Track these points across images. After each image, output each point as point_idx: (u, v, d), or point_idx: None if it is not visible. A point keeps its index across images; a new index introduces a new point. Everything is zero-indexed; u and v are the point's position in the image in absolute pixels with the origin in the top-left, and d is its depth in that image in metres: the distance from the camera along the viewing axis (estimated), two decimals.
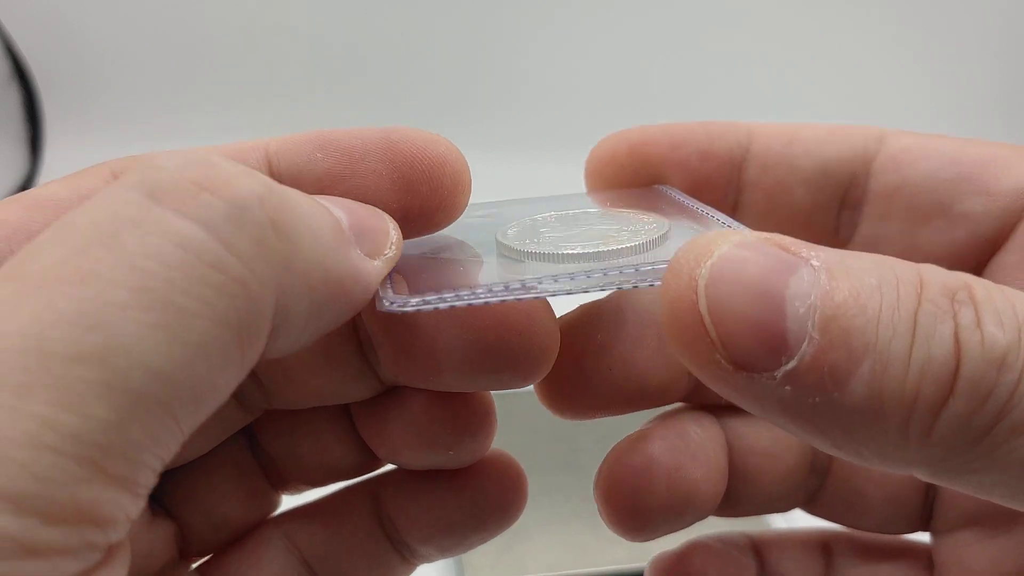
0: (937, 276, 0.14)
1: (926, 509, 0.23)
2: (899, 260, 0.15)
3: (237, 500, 0.21)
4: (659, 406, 0.22)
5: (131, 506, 0.11)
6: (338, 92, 0.77)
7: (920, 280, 0.14)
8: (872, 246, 0.21)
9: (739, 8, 0.78)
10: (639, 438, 0.21)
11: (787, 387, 0.14)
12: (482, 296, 0.17)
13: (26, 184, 0.72)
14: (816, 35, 0.80)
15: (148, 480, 0.12)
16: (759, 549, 0.24)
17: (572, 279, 0.18)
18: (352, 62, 0.76)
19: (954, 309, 0.14)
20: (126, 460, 0.11)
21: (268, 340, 0.13)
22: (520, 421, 0.46)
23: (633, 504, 0.22)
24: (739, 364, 0.14)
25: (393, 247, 0.17)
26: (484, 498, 0.21)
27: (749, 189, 0.21)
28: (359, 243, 0.16)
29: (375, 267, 0.16)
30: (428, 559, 0.22)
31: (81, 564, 0.11)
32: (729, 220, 0.19)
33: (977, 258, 0.21)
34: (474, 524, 0.21)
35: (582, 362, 0.20)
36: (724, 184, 0.21)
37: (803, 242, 0.15)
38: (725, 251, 0.14)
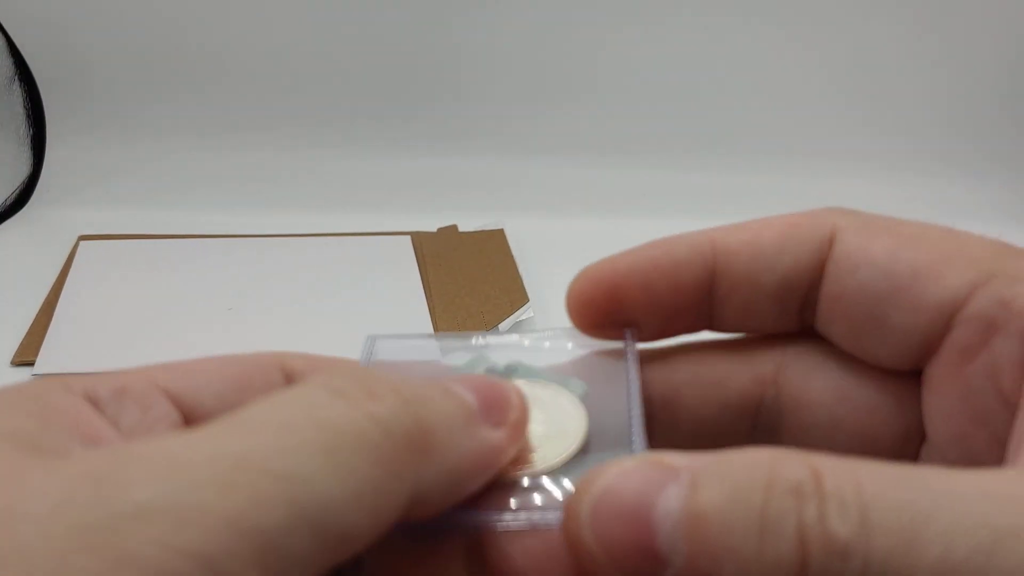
0: (786, 470, 0.16)
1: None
2: (759, 452, 0.16)
3: None
4: None
5: None
6: (338, 92, 0.78)
7: (769, 478, 0.16)
8: (824, 347, 0.22)
9: (738, 5, 0.78)
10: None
11: None
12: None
13: (29, 183, 0.72)
14: (816, 34, 0.80)
15: None
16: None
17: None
18: (352, 62, 0.77)
19: (798, 506, 0.15)
20: (281, 559, 0.14)
21: (409, 509, 0.16)
22: None
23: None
24: None
25: (515, 410, 0.19)
26: None
27: (720, 306, 0.22)
28: (486, 417, 0.19)
29: (500, 436, 0.19)
30: None
31: None
32: (639, 428, 0.21)
33: (914, 365, 0.21)
34: None
35: None
36: (696, 309, 0.22)
37: (680, 454, 0.17)
38: (605, 484, 0.17)
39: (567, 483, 0.19)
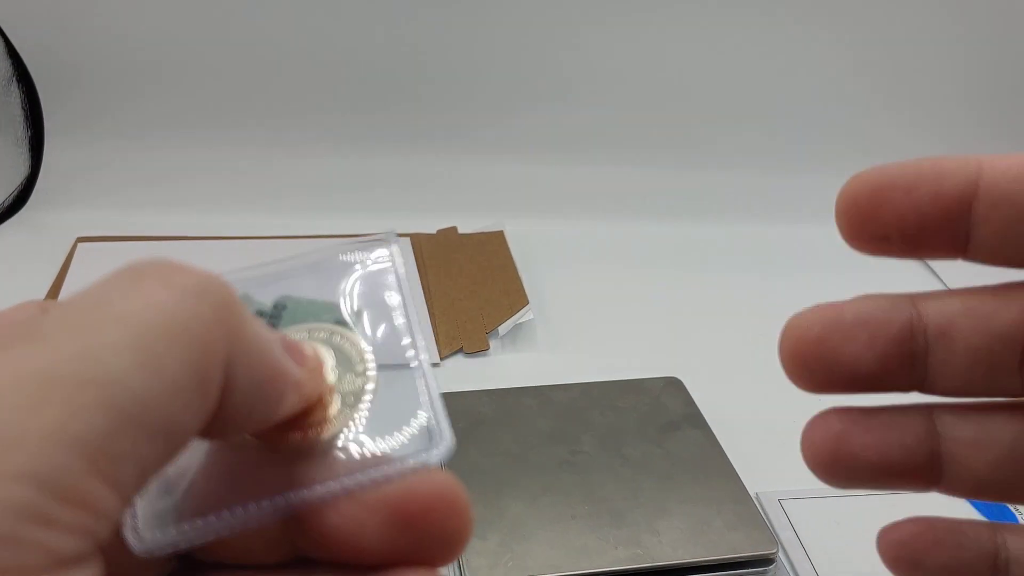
0: None
1: None
2: None
3: None
4: None
5: (117, 505, 0.15)
6: (337, 93, 0.78)
7: None
8: None
9: (737, 4, 0.78)
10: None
11: None
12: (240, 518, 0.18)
13: (27, 185, 0.72)
14: (815, 35, 0.80)
15: (130, 486, 0.15)
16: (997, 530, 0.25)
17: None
18: (351, 62, 0.77)
19: None
20: (115, 463, 0.14)
21: (221, 396, 0.16)
22: (521, 421, 0.47)
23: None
24: None
25: (311, 359, 0.20)
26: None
27: (979, 226, 0.22)
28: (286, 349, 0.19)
29: (300, 371, 0.19)
30: None
31: (77, 545, 0.14)
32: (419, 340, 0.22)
33: None
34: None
35: None
36: (954, 228, 0.22)
37: None
38: None
39: (369, 444, 0.20)
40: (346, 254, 0.24)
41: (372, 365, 0.21)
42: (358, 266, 0.23)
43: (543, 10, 0.76)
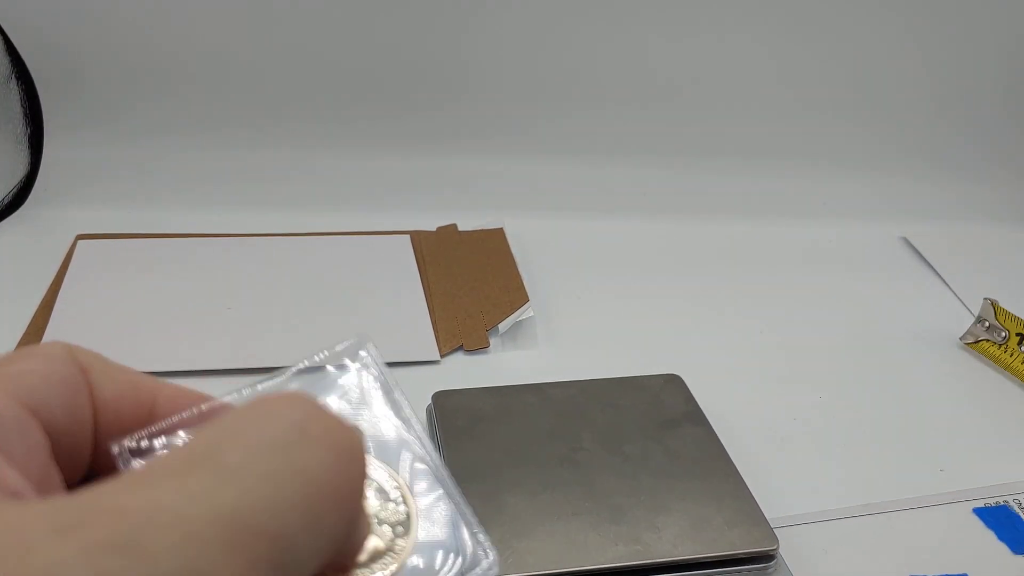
0: None
1: None
2: None
3: None
4: None
5: None
6: (336, 90, 0.78)
7: None
8: None
9: (736, 7, 0.78)
10: None
11: None
12: None
13: (27, 182, 0.72)
14: (813, 35, 0.80)
15: None
16: None
17: None
18: (350, 61, 0.76)
19: None
20: None
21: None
22: (521, 419, 0.47)
23: None
24: None
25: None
26: None
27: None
28: None
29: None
30: None
31: None
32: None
33: None
34: None
35: None
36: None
37: None
38: None
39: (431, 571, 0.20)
40: (326, 366, 0.23)
41: (404, 489, 0.21)
42: (341, 381, 0.23)
43: (543, 8, 0.76)
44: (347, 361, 0.23)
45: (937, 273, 0.69)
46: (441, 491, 0.21)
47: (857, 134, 0.82)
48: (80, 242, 0.66)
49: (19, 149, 0.73)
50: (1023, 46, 0.81)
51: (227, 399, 0.21)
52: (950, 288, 0.67)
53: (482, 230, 0.70)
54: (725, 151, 0.81)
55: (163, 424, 0.20)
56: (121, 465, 0.19)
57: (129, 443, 0.19)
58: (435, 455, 0.22)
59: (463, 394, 0.48)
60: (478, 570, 0.20)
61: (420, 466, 0.22)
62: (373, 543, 0.20)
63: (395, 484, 0.21)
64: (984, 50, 0.81)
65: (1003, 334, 0.58)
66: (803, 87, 0.81)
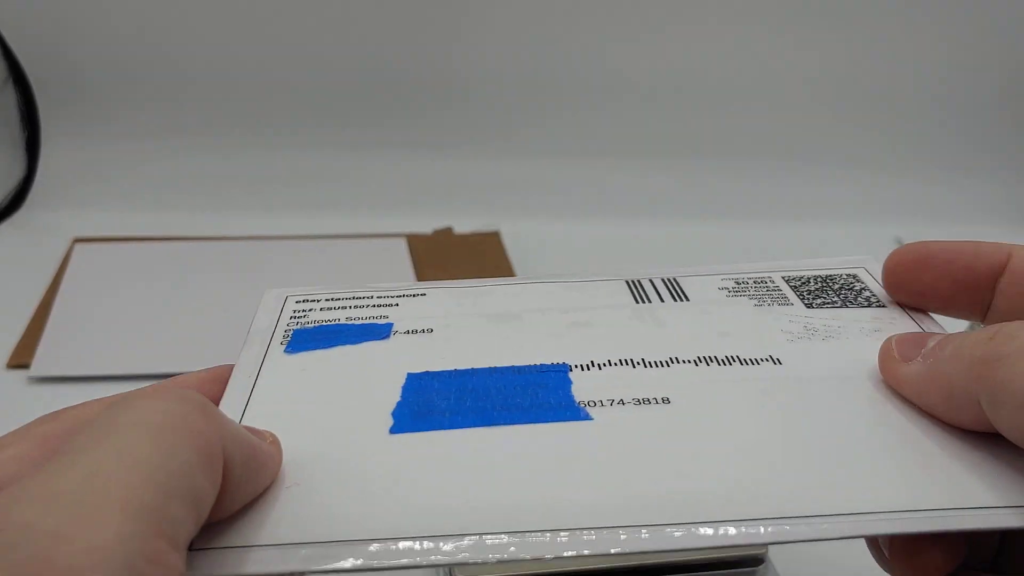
0: None
1: None
2: None
3: None
4: None
5: (179, 564, 0.18)
6: (332, 94, 0.78)
7: None
8: None
9: (732, 8, 0.78)
10: None
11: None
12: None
13: (23, 186, 0.72)
14: (811, 37, 0.80)
15: (182, 546, 0.18)
16: None
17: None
18: (346, 64, 0.77)
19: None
20: (172, 526, 0.18)
21: (224, 470, 0.20)
22: None
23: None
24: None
25: (271, 435, 0.24)
26: None
27: (999, 297, 0.28)
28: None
29: (267, 445, 0.23)
30: None
31: None
32: None
33: None
34: None
35: None
36: (980, 295, 0.28)
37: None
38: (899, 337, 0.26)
39: None
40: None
41: None
42: None
43: (538, 11, 0.76)
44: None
45: None
46: None
47: (856, 134, 0.83)
48: (77, 245, 0.66)
49: (16, 153, 0.73)
50: (1022, 46, 0.81)
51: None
52: None
53: (478, 233, 0.70)
54: (722, 152, 0.81)
55: None
56: None
57: None
58: None
59: None
60: None
61: None
62: None
63: None
64: (983, 50, 0.81)
65: None
66: (801, 87, 0.81)
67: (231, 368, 0.28)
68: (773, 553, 0.41)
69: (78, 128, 0.75)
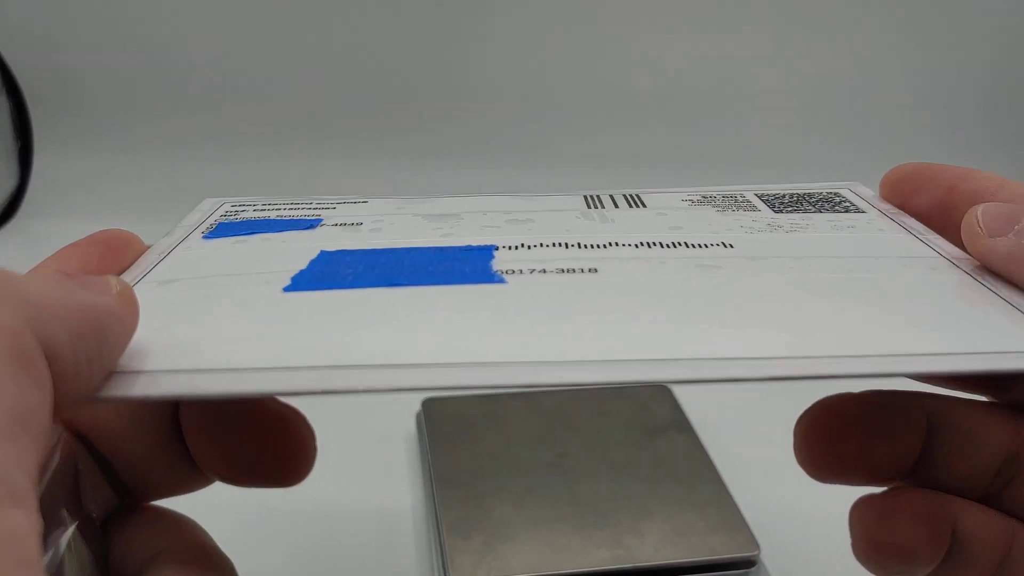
0: None
1: None
2: None
3: None
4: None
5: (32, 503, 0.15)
6: (328, 102, 0.78)
7: None
8: None
9: (727, 11, 0.79)
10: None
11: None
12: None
13: (16, 197, 0.72)
14: (809, 39, 0.80)
15: (22, 481, 0.15)
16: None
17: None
18: (343, 72, 0.77)
19: None
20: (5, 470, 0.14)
21: (51, 364, 0.16)
22: (506, 423, 0.47)
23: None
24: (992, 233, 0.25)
25: (117, 283, 0.20)
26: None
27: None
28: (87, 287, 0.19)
29: (107, 299, 0.19)
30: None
31: None
32: None
33: None
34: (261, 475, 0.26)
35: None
36: (959, 211, 0.28)
37: None
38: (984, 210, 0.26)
39: None
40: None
41: None
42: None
43: (533, 20, 0.77)
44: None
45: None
46: None
47: (855, 135, 0.83)
48: None
49: (8, 163, 0.73)
50: (1021, 46, 0.82)
51: None
52: None
53: None
54: (717, 159, 0.81)
55: None
56: None
57: None
58: None
59: (453, 401, 0.49)
60: None
61: None
62: None
63: None
64: (983, 50, 0.82)
65: None
66: (799, 91, 0.82)
67: (118, 232, 0.26)
68: (765, 555, 0.41)
69: (71, 138, 0.75)
